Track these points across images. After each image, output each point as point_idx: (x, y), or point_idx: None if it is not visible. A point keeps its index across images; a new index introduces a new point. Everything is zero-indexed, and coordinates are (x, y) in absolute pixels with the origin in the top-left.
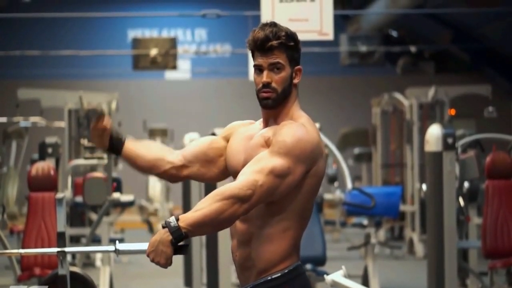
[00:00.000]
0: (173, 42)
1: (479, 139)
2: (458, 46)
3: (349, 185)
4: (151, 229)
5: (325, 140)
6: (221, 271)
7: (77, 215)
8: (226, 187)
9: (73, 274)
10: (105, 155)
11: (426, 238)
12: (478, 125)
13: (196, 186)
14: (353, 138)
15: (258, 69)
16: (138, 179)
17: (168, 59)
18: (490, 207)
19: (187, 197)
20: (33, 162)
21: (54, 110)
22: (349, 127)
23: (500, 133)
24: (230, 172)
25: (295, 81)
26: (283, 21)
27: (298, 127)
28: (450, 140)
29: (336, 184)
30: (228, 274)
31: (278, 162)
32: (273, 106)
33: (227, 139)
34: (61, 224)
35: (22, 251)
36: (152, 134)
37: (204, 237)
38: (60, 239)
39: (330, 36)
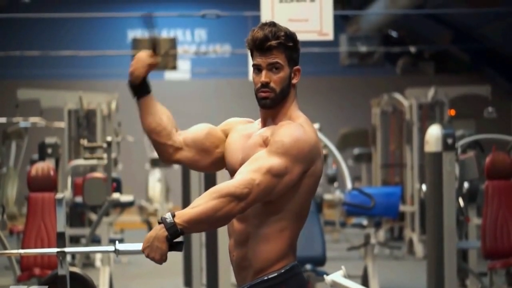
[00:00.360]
0: (173, 43)
1: (478, 139)
2: (458, 47)
3: (348, 185)
4: (151, 230)
5: (325, 140)
6: (220, 271)
7: (76, 215)
8: (223, 185)
9: (72, 274)
10: (105, 156)
11: (425, 238)
12: (477, 125)
13: (196, 187)
14: (352, 139)
15: (257, 68)
16: (138, 180)
17: (168, 60)
18: (489, 208)
19: (186, 197)
20: (32, 162)
21: (53, 110)
22: (349, 127)
23: (500, 133)
24: (228, 170)
25: (294, 81)
26: (283, 21)
27: (296, 127)
28: (449, 141)
29: (335, 184)
30: (228, 274)
31: (275, 161)
32: (271, 106)
33: (225, 133)
34: (61, 225)
35: (21, 251)
36: None
37: (204, 237)
38: (60, 240)
39: (330, 37)
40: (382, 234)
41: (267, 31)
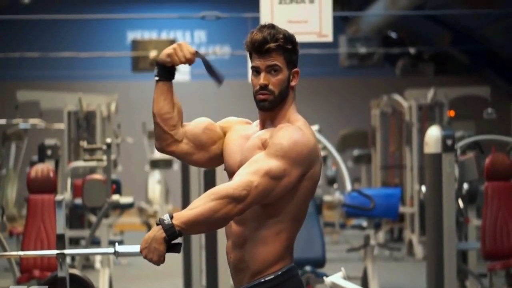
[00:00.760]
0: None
1: (478, 140)
2: (457, 48)
3: (348, 186)
4: None
5: (324, 141)
6: (220, 273)
7: (76, 217)
8: (222, 187)
9: (72, 276)
10: (104, 157)
11: (425, 239)
12: (477, 126)
13: (195, 188)
14: (352, 140)
15: (256, 71)
16: (138, 181)
17: None
18: (489, 209)
19: (186, 199)
20: (32, 164)
21: (53, 112)
22: (349, 128)
23: (500, 134)
24: (227, 171)
25: (293, 83)
26: (282, 23)
27: (295, 130)
28: (449, 142)
29: (335, 185)
30: (228, 277)
31: (274, 164)
32: (270, 108)
33: (224, 131)
34: (61, 226)
35: (21, 253)
36: (152, 136)
37: (203, 239)
38: (60, 241)
39: (329, 38)
40: (381, 236)
41: (266, 33)
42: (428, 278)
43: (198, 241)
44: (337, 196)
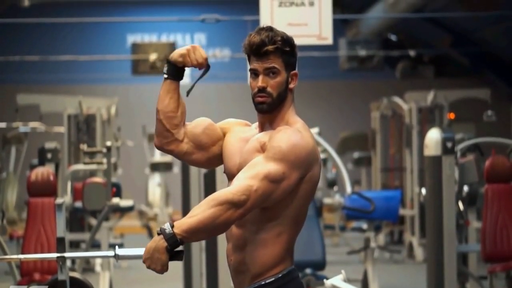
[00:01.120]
0: (172, 47)
1: (478, 143)
2: (457, 50)
3: (348, 189)
4: (150, 234)
5: (325, 144)
6: (220, 276)
7: (76, 220)
8: (221, 193)
9: (72, 279)
10: (104, 161)
11: (425, 242)
12: (477, 129)
13: (195, 191)
14: (352, 142)
15: (254, 73)
16: (138, 184)
17: None
18: (489, 211)
19: (186, 202)
20: (32, 167)
21: (53, 115)
22: (349, 131)
23: (500, 137)
24: (226, 174)
25: (291, 86)
26: (282, 26)
27: (293, 132)
28: (449, 144)
29: (335, 188)
30: (228, 279)
31: (273, 167)
32: (268, 111)
33: (223, 132)
34: (61, 230)
35: (21, 256)
36: (152, 139)
37: (203, 242)
38: (60, 245)
39: (329, 41)
40: (382, 238)
41: (264, 36)
42: (428, 281)
43: (198, 244)
44: (337, 198)
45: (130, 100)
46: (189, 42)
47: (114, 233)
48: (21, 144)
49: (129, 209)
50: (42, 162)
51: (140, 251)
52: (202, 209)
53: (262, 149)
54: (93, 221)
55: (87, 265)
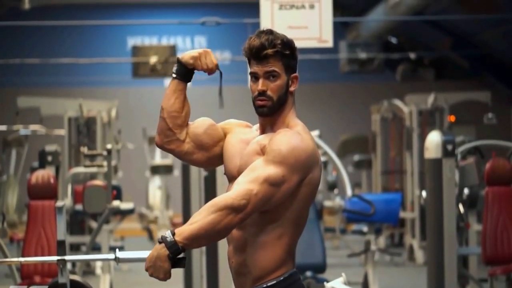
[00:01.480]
0: (172, 50)
1: (478, 145)
2: (457, 53)
3: (349, 192)
4: (151, 237)
5: (325, 147)
6: (221, 278)
7: (77, 223)
8: (221, 198)
9: (73, 282)
10: (105, 163)
11: (426, 244)
12: (477, 131)
13: (196, 194)
14: (352, 145)
15: (254, 77)
16: (138, 187)
17: (167, 67)
18: (489, 214)
19: (187, 204)
20: (33, 170)
21: (54, 118)
22: (349, 134)
23: (500, 139)
24: (226, 176)
25: (291, 89)
26: (283, 29)
27: (293, 135)
28: (449, 147)
29: (336, 191)
30: (229, 282)
31: (272, 170)
32: (268, 114)
33: (225, 132)
34: (61, 232)
35: (22, 259)
36: (152, 141)
37: None
38: (60, 247)
39: (329, 43)
40: (382, 241)
41: (264, 39)
42: (428, 283)
43: None
44: (337, 201)
45: (130, 103)
46: (189, 45)
47: (114, 236)
48: (22, 147)
49: (130, 212)
50: (43, 165)
51: (141, 254)
52: (203, 216)
53: (262, 152)
54: (94, 224)
55: (88, 268)
